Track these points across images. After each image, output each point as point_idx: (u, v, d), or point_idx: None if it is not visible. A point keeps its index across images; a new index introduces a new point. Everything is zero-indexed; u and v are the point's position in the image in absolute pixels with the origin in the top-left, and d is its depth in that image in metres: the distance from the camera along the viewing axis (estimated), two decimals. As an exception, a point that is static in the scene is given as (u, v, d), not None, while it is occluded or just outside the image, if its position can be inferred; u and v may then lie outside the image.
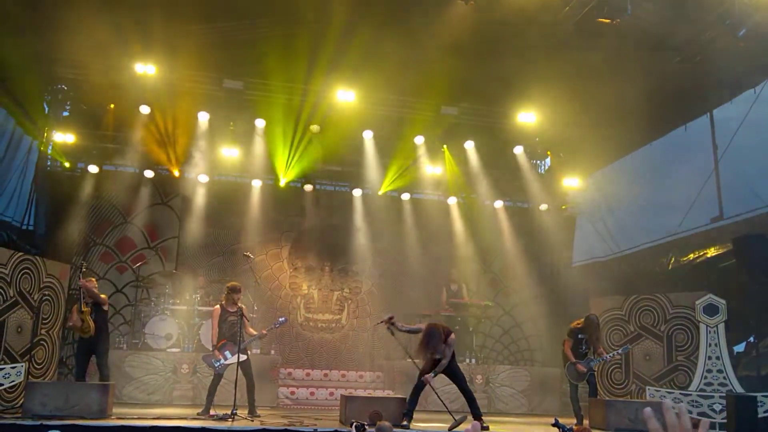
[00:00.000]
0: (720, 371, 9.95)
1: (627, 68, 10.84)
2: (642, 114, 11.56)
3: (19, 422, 6.94)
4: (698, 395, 9.88)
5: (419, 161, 12.85)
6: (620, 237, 13.63)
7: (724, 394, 9.43)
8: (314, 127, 11.65)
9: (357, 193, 13.25)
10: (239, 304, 8.85)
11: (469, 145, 12.84)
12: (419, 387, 8.16)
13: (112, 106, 12.07)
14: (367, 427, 6.57)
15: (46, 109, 12.39)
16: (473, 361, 11.83)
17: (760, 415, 8.59)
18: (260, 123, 12.02)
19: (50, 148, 12.37)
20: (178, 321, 10.99)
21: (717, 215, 11.99)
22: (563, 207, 14.07)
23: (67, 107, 12.63)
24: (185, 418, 7.91)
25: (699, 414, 9.72)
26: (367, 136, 12.52)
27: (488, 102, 12.57)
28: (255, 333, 8.77)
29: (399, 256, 13.32)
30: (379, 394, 10.97)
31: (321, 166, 12.74)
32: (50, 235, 11.64)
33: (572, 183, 13.83)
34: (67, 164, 12.27)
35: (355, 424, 6.74)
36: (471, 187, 13.54)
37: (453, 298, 12.12)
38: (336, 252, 13.32)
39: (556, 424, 5.83)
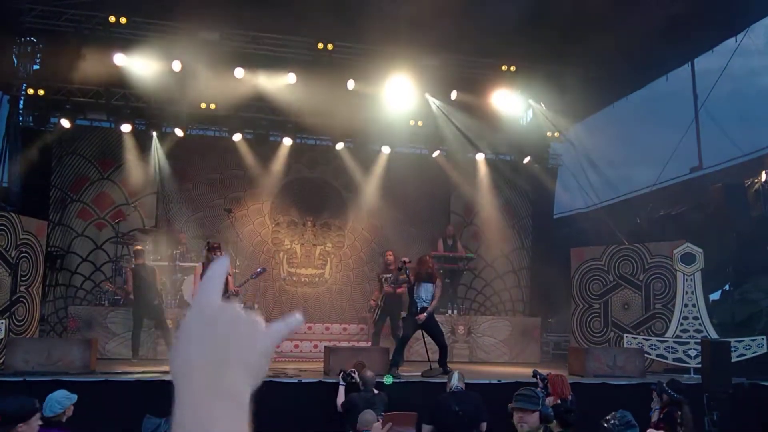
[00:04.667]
0: (696, 318, 10.17)
1: (609, 17, 10.69)
2: (624, 63, 11.50)
3: (2, 378, 6.95)
4: (674, 342, 10.11)
5: (401, 113, 12.63)
6: (601, 188, 13.72)
7: (699, 340, 9.67)
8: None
9: (339, 146, 13.06)
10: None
11: (453, 96, 12.64)
12: (406, 338, 8.38)
13: (83, 58, 11.64)
14: (353, 374, 6.69)
15: (15, 62, 11.96)
16: (455, 312, 11.98)
17: (733, 360, 8.83)
18: (239, 74, 11.67)
19: (21, 102, 12.00)
20: (159, 277, 10.91)
21: (696, 165, 12.10)
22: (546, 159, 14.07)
23: (38, 60, 12.19)
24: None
25: (675, 360, 9.98)
26: (350, 86, 12.24)
27: (470, 53, 12.35)
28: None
29: (381, 209, 13.28)
30: (363, 345, 11.10)
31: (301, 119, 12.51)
32: (25, 192, 11.40)
33: (554, 135, 13.78)
34: (39, 119, 11.91)
35: (342, 372, 6.86)
36: (453, 140, 13.44)
37: (449, 251, 12.14)
38: (318, 207, 13.23)
39: (535, 375, 5.99)
